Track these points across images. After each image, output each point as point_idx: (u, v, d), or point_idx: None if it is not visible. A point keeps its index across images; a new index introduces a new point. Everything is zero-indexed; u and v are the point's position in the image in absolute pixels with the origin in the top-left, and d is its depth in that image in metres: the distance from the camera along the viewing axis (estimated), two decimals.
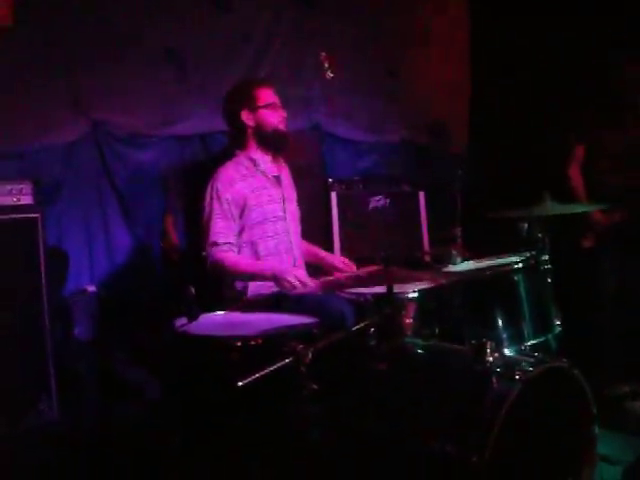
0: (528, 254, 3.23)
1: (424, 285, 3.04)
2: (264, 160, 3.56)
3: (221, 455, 2.56)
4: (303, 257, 3.64)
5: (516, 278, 3.08)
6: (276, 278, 3.22)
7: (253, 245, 3.44)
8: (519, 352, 2.94)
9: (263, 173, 3.54)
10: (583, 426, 2.56)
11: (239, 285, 3.41)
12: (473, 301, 3.09)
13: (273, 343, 2.45)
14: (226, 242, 3.35)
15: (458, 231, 3.83)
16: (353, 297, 3.15)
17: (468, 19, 5.66)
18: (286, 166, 3.70)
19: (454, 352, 2.71)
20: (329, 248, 4.19)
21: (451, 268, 3.42)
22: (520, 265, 3.12)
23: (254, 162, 3.53)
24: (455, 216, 3.99)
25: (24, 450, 3.16)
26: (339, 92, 4.69)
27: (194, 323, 2.53)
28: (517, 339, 3.03)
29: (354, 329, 2.55)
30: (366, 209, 4.74)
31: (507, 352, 2.79)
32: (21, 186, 3.27)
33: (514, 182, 4.73)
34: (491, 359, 2.39)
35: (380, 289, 2.79)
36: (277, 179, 3.59)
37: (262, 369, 2.08)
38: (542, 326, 3.11)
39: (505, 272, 3.13)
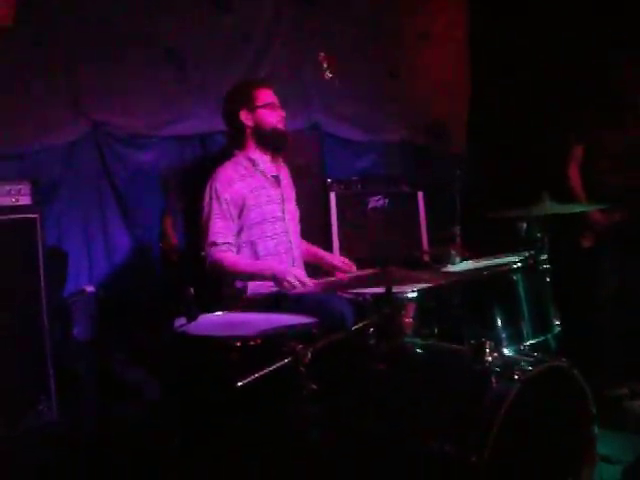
0: (527, 254, 3.23)
1: (423, 285, 3.03)
2: (263, 160, 3.56)
3: (220, 455, 2.55)
4: (302, 257, 3.64)
5: (515, 278, 3.08)
6: (275, 278, 3.22)
7: (252, 245, 3.44)
8: (518, 352, 2.93)
9: (262, 173, 3.54)
10: (583, 426, 2.56)
11: (239, 284, 3.41)
12: (472, 301, 3.09)
13: (272, 343, 2.45)
14: (225, 242, 3.35)
15: (457, 231, 3.83)
16: (352, 297, 3.15)
17: (468, 19, 5.65)
18: (285, 166, 3.70)
19: (453, 352, 2.70)
20: (328, 248, 4.19)
21: (450, 268, 3.42)
22: (519, 265, 3.12)
23: (253, 162, 3.53)
24: (454, 216, 4.00)
25: (23, 451, 3.16)
26: (339, 92, 4.69)
27: (193, 323, 2.53)
28: (516, 339, 3.03)
29: (353, 329, 2.55)
30: (365, 209, 4.74)
31: (506, 352, 2.79)
32: (20, 186, 3.27)
33: (513, 182, 4.73)
34: (490, 359, 2.39)
35: (379, 289, 2.79)
36: (276, 179, 3.59)
37: (261, 369, 2.08)
38: (541, 326, 3.11)
39: (504, 272, 3.13)
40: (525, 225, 3.30)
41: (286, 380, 2.14)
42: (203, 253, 3.35)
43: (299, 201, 3.73)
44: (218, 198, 3.38)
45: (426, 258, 4.37)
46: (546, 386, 2.44)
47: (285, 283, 3.15)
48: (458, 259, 3.44)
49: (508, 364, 2.43)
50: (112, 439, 3.25)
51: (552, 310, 3.16)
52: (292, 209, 3.65)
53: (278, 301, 3.23)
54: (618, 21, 4.57)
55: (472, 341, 2.56)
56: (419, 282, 3.00)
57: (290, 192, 3.68)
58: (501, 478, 2.32)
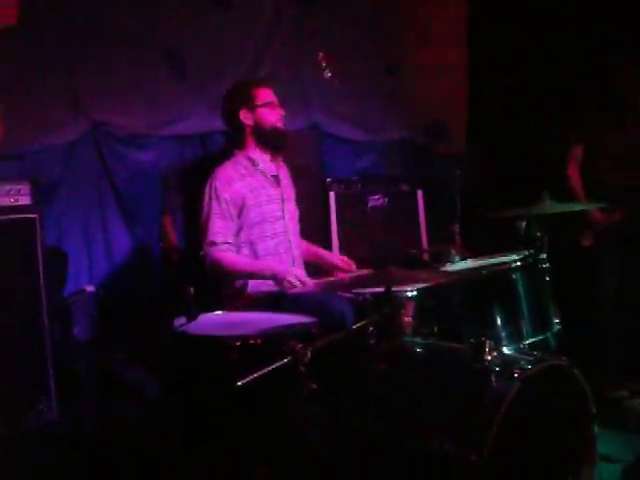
0: (527, 253, 3.23)
1: (423, 284, 3.03)
2: (263, 159, 3.57)
3: (220, 455, 2.56)
4: (302, 256, 3.65)
5: (515, 277, 3.08)
6: (275, 278, 3.23)
7: (252, 245, 3.44)
8: (518, 351, 2.94)
9: (262, 173, 3.54)
10: (583, 425, 2.56)
11: (238, 282, 3.41)
12: (472, 300, 3.09)
13: (272, 343, 2.45)
14: (224, 242, 3.36)
15: (457, 230, 3.83)
16: (352, 296, 3.15)
17: (468, 19, 5.65)
18: (285, 166, 3.71)
19: (453, 351, 2.71)
20: (328, 247, 4.19)
21: (450, 267, 3.42)
22: (519, 264, 3.12)
23: (253, 162, 3.53)
24: (454, 215, 4.00)
25: (23, 451, 3.15)
26: (338, 92, 4.69)
27: (193, 323, 2.53)
28: (516, 337, 3.03)
29: (353, 328, 2.55)
30: (364, 208, 4.75)
31: (506, 351, 2.80)
32: (19, 186, 3.26)
33: (513, 182, 4.73)
34: (490, 358, 2.39)
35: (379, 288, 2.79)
36: (276, 179, 3.59)
37: (261, 369, 2.08)
38: (541, 324, 3.11)
39: (504, 271, 3.13)
40: (525, 224, 3.30)
41: (286, 380, 2.14)
42: (202, 252, 3.35)
43: (299, 201, 3.74)
44: (218, 198, 3.38)
45: (426, 257, 4.37)
46: (546, 385, 2.44)
47: (285, 283, 3.16)
48: (458, 258, 3.44)
49: (508, 363, 2.43)
50: (112, 439, 3.25)
51: (552, 309, 3.16)
52: (292, 209, 3.66)
53: (277, 300, 3.22)
54: (618, 21, 4.57)
55: (472, 340, 2.55)
56: (419, 281, 3.01)
57: (290, 192, 3.68)
58: (501, 477, 2.32)
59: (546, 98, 4.92)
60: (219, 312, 2.95)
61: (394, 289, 2.72)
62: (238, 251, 3.42)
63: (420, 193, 4.92)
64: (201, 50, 4.30)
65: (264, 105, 3.51)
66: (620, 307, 4.09)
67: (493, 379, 2.33)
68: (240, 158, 3.54)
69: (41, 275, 3.28)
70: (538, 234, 3.24)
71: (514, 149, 5.04)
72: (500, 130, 5.20)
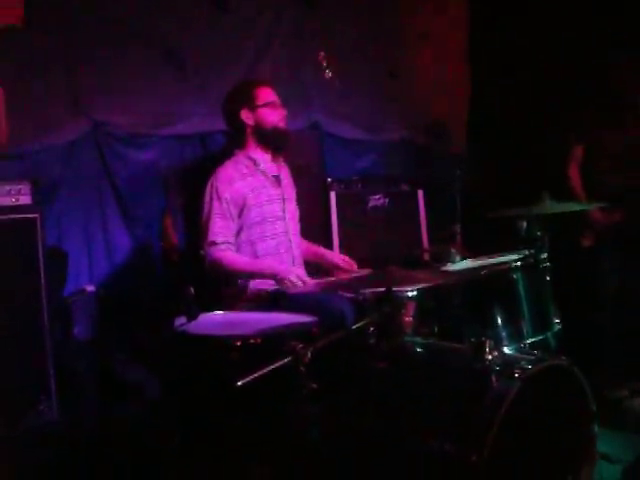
0: (527, 253, 3.23)
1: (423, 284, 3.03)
2: (264, 159, 3.57)
3: (220, 455, 2.55)
4: (303, 256, 3.65)
5: (515, 276, 3.08)
6: (276, 277, 3.23)
7: (252, 244, 3.44)
8: (518, 350, 2.94)
9: (263, 172, 3.54)
10: (583, 424, 2.55)
11: (239, 282, 3.41)
12: (472, 300, 3.09)
13: (272, 342, 2.45)
14: (224, 241, 3.36)
15: (457, 230, 3.83)
16: (352, 296, 3.15)
17: (468, 19, 5.65)
18: (285, 166, 3.71)
19: (453, 351, 2.70)
20: (328, 247, 4.18)
21: (450, 267, 3.42)
22: (519, 264, 3.12)
23: (254, 161, 3.53)
24: (454, 215, 4.00)
25: (23, 451, 3.15)
26: (339, 92, 4.69)
27: (193, 323, 2.53)
28: (516, 337, 3.03)
29: (353, 328, 2.54)
30: (365, 208, 4.75)
31: (506, 350, 2.79)
32: (20, 186, 3.27)
33: (513, 181, 4.73)
34: (490, 357, 2.38)
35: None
36: (277, 179, 3.59)
37: (261, 368, 2.08)
38: (541, 324, 3.11)
39: (504, 271, 3.13)
40: (525, 224, 3.30)
41: (286, 379, 2.13)
42: (202, 252, 3.35)
43: (299, 200, 3.74)
44: (219, 197, 3.38)
45: (426, 257, 4.37)
46: (546, 385, 2.44)
47: (286, 282, 3.16)
48: (458, 258, 3.44)
49: (508, 363, 2.42)
50: (112, 439, 3.25)
51: (552, 309, 3.17)
52: (292, 209, 3.66)
53: (277, 299, 3.23)
54: (618, 21, 4.57)
55: (472, 340, 2.54)
56: (419, 282, 3.00)
57: (291, 192, 3.68)
58: (501, 477, 2.31)
59: (546, 98, 4.93)
60: (219, 312, 2.95)
61: (394, 289, 2.71)
62: (238, 251, 3.42)
63: (421, 193, 4.92)
64: (201, 50, 4.31)
65: (265, 105, 3.51)
66: (620, 307, 4.09)
67: (493, 379, 2.32)
68: (241, 158, 3.54)
69: (41, 275, 3.29)
70: (538, 234, 3.24)
71: (514, 149, 5.05)
72: (500, 130, 5.21)
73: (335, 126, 4.95)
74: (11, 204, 3.25)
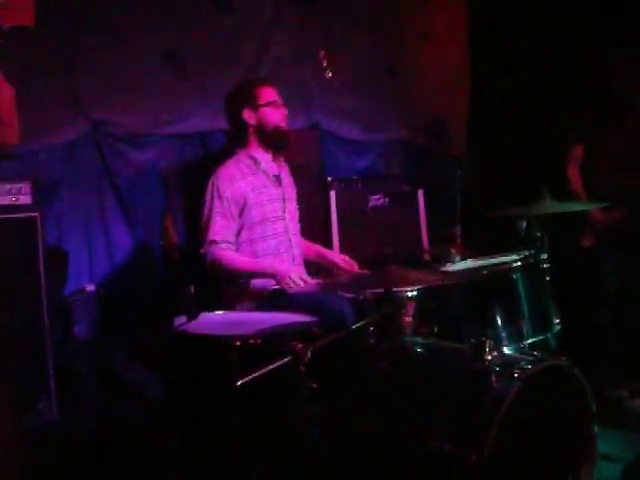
0: (527, 253, 3.23)
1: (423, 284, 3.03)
2: (265, 159, 3.56)
3: (220, 455, 2.55)
4: (303, 255, 3.65)
5: (515, 277, 3.08)
6: (276, 276, 3.23)
7: (252, 244, 3.44)
8: (518, 350, 2.94)
9: (264, 172, 3.54)
10: (583, 424, 2.55)
11: (240, 281, 3.41)
12: (472, 300, 3.10)
13: (272, 342, 2.45)
14: (225, 241, 3.35)
15: (457, 230, 3.83)
16: (352, 296, 3.15)
17: (468, 19, 5.66)
18: (286, 165, 3.70)
19: (453, 351, 2.70)
20: (328, 247, 4.17)
21: (450, 267, 3.42)
22: (519, 264, 3.12)
23: (255, 161, 3.53)
24: (454, 215, 4.00)
25: (23, 450, 3.15)
26: (339, 91, 4.70)
27: (193, 322, 2.53)
28: (516, 337, 3.04)
29: (353, 328, 2.54)
30: (365, 208, 4.74)
31: (506, 351, 2.79)
32: (20, 185, 3.28)
33: (513, 181, 4.73)
34: (490, 358, 2.38)
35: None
36: (277, 178, 3.59)
37: (261, 368, 2.07)
38: (541, 324, 3.12)
39: (504, 271, 3.13)
40: (525, 224, 3.30)
41: (286, 379, 2.13)
42: (202, 251, 3.35)
43: (299, 200, 3.74)
44: (220, 196, 3.38)
45: (426, 257, 4.37)
46: (546, 385, 2.44)
47: (287, 280, 3.17)
48: (458, 258, 3.44)
49: (508, 363, 2.42)
50: (112, 438, 3.25)
51: (552, 309, 3.17)
52: (293, 208, 3.66)
53: (278, 298, 3.23)
54: (618, 21, 4.57)
55: (472, 340, 2.55)
56: (419, 282, 3.00)
57: (291, 191, 3.68)
58: (501, 477, 2.32)
59: (546, 98, 4.93)
60: (219, 311, 2.95)
61: (394, 289, 2.71)
62: (238, 250, 3.42)
63: (421, 193, 4.91)
64: (201, 50, 4.31)
65: (267, 104, 3.50)
66: (620, 307, 4.09)
67: (493, 379, 2.32)
68: (242, 157, 3.53)
69: (42, 274, 3.29)
70: (538, 234, 3.24)
71: (514, 149, 5.05)
72: (500, 130, 5.21)
73: (335, 126, 4.96)
74: (11, 203, 3.26)
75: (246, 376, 2.04)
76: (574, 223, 4.11)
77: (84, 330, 3.75)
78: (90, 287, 3.82)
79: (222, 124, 3.87)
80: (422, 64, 5.44)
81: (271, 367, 2.09)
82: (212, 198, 3.39)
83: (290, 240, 3.55)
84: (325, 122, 4.88)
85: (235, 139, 3.62)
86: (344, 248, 4.36)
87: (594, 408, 2.53)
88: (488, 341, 2.41)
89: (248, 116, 3.51)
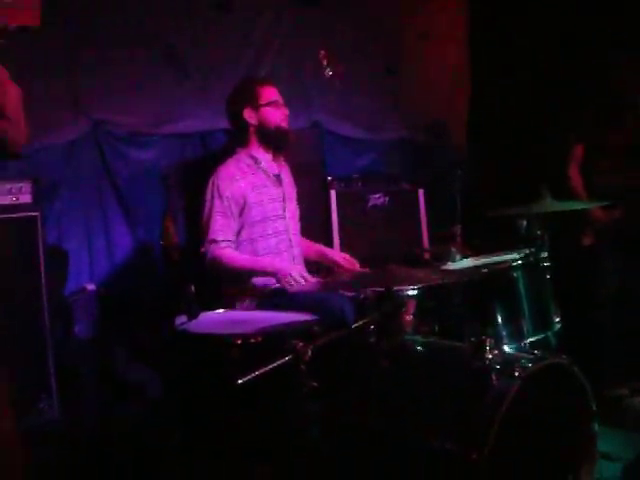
0: (527, 251, 3.23)
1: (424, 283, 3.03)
2: (265, 158, 3.57)
3: (221, 453, 2.56)
4: (304, 254, 3.66)
5: (515, 275, 3.08)
6: (277, 275, 3.23)
7: (252, 243, 3.44)
8: (518, 349, 2.95)
9: (264, 171, 3.54)
10: (583, 423, 2.56)
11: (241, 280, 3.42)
12: (472, 298, 3.09)
13: (273, 341, 2.46)
14: (225, 239, 3.36)
15: (458, 229, 3.83)
16: (353, 294, 3.15)
17: (468, 19, 5.66)
18: (286, 165, 3.71)
19: (454, 349, 2.71)
20: (328, 246, 4.17)
21: (450, 265, 3.42)
22: (519, 262, 3.12)
23: (255, 160, 3.54)
24: (455, 214, 4.00)
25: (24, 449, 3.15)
26: (339, 91, 4.69)
27: (194, 321, 2.53)
28: (516, 336, 3.03)
29: (354, 327, 2.54)
30: (365, 207, 4.73)
31: (506, 349, 2.80)
32: (20, 185, 3.27)
33: (513, 181, 4.73)
34: (490, 356, 2.38)
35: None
36: (278, 178, 3.60)
37: (262, 367, 2.08)
38: (541, 323, 3.12)
39: (504, 269, 3.13)
40: (525, 223, 3.30)
41: (287, 378, 2.13)
42: (202, 250, 3.35)
43: (299, 199, 3.74)
44: (220, 195, 3.38)
45: (427, 256, 4.37)
46: (546, 383, 2.44)
47: (288, 279, 3.17)
48: (458, 257, 3.44)
49: (508, 361, 2.43)
50: (113, 437, 3.25)
51: (552, 307, 3.17)
52: (293, 208, 3.67)
53: (279, 296, 3.24)
54: (618, 21, 4.57)
55: (472, 338, 2.55)
56: (419, 280, 3.00)
57: (291, 191, 3.69)
58: (501, 475, 2.32)
59: (546, 98, 4.93)
60: (220, 310, 2.96)
61: (395, 287, 2.71)
62: (239, 249, 3.42)
63: (421, 192, 4.91)
64: (202, 50, 4.31)
65: (268, 104, 3.51)
66: (620, 306, 4.10)
67: (494, 377, 2.33)
68: (242, 156, 3.54)
69: (42, 273, 3.29)
70: (539, 233, 3.24)
71: (514, 148, 5.05)
72: (500, 129, 5.21)
73: (336, 125, 4.95)
74: (12, 203, 3.25)
75: (247, 375, 2.04)
76: (574, 222, 4.11)
77: (84, 329, 3.75)
78: (90, 286, 3.81)
79: (222, 124, 3.87)
80: (422, 64, 5.44)
81: (272, 366, 2.09)
82: (212, 197, 3.39)
83: (290, 239, 3.56)
84: (325, 122, 4.87)
85: (236, 138, 3.63)
86: (344, 247, 4.35)
87: (594, 407, 2.54)
88: (488, 340, 2.41)
89: (249, 115, 3.52)
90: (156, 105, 4.14)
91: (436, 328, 3.01)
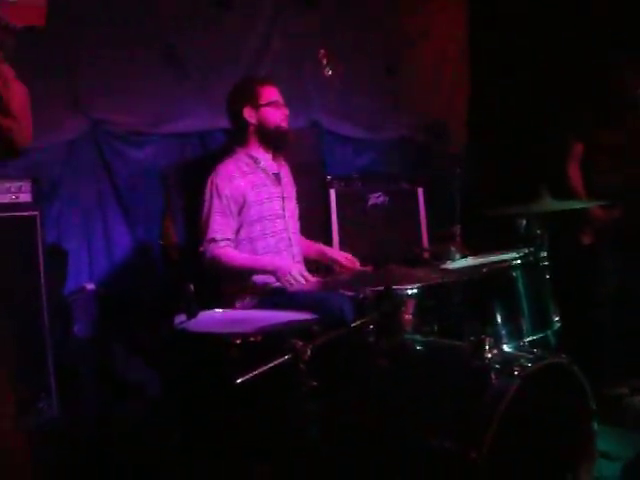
0: (527, 251, 3.23)
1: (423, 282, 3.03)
2: (264, 158, 3.57)
3: (220, 452, 2.56)
4: (304, 253, 3.66)
5: (515, 274, 3.09)
6: (277, 273, 3.23)
7: (252, 242, 3.44)
8: (518, 348, 2.95)
9: (263, 170, 3.55)
10: (582, 422, 2.56)
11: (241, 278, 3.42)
12: (472, 297, 3.10)
13: (272, 340, 2.46)
14: (224, 238, 3.36)
15: (457, 229, 3.83)
16: (352, 294, 3.15)
17: (468, 18, 5.66)
18: (286, 164, 3.71)
19: (453, 348, 2.71)
20: (328, 245, 4.17)
21: (450, 265, 3.42)
22: (519, 261, 3.13)
23: (254, 159, 3.54)
24: (454, 214, 4.00)
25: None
26: (339, 90, 4.69)
27: (193, 320, 2.54)
28: (516, 335, 3.04)
29: (353, 326, 2.55)
30: (365, 206, 4.73)
31: (506, 348, 2.80)
32: (20, 184, 3.27)
33: (513, 180, 4.73)
34: (490, 355, 2.38)
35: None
36: (277, 177, 3.60)
37: (261, 366, 2.08)
38: (541, 322, 3.12)
39: (504, 269, 3.14)
40: (525, 222, 3.30)
41: (286, 377, 2.13)
42: (201, 249, 3.35)
43: (299, 198, 3.74)
44: (219, 194, 3.38)
45: (426, 255, 4.37)
46: (546, 382, 2.44)
47: (288, 277, 3.17)
48: (458, 256, 3.44)
49: (508, 360, 2.43)
50: (113, 437, 3.25)
51: (552, 307, 3.17)
52: (292, 207, 3.67)
53: (277, 295, 3.24)
54: (618, 21, 4.57)
55: (472, 338, 2.56)
56: (419, 280, 3.00)
57: (291, 190, 3.69)
58: (500, 474, 2.32)
59: (546, 98, 4.93)
60: (219, 309, 2.96)
61: (394, 287, 2.72)
62: (238, 248, 3.42)
63: (420, 191, 4.91)
64: (201, 49, 4.30)
65: (268, 104, 3.51)
66: (620, 305, 4.10)
67: (493, 377, 2.33)
68: (242, 155, 3.54)
69: (41, 273, 3.28)
70: (538, 232, 3.24)
71: (514, 148, 5.05)
72: (500, 129, 5.21)
73: (336, 124, 4.95)
74: (11, 202, 3.25)
75: (246, 374, 2.05)
76: (574, 221, 4.11)
77: (84, 329, 3.74)
78: (90, 286, 3.81)
79: (222, 123, 3.87)
80: (422, 64, 5.44)
81: (271, 365, 2.09)
82: (211, 196, 3.40)
83: (290, 238, 3.56)
84: (325, 121, 4.87)
85: (235, 137, 3.63)
86: (344, 246, 4.34)
87: (594, 406, 2.54)
88: (488, 339, 2.41)
89: (249, 115, 3.52)
90: (155, 105, 4.14)
91: (435, 327, 3.01)
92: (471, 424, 2.22)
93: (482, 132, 5.40)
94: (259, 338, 2.51)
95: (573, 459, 2.57)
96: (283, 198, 3.58)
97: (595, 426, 2.57)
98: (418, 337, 2.85)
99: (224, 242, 3.35)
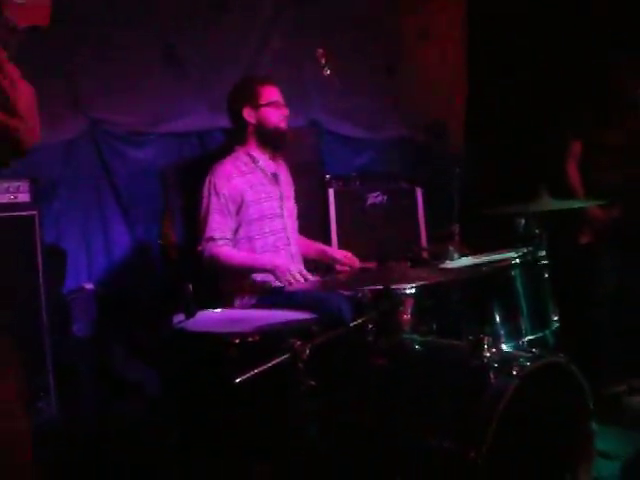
0: (525, 250, 3.22)
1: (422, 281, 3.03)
2: (263, 157, 3.57)
3: (219, 452, 2.56)
4: (304, 252, 3.67)
5: (513, 274, 3.08)
6: (276, 272, 3.23)
7: (250, 241, 3.44)
8: (516, 348, 2.94)
9: (262, 170, 3.55)
10: (581, 421, 2.56)
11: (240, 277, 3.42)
12: (471, 297, 3.09)
13: (271, 339, 2.46)
14: (222, 237, 3.36)
15: (456, 228, 3.83)
16: (351, 293, 3.15)
17: (467, 18, 5.66)
18: (284, 164, 3.71)
19: (452, 348, 2.71)
20: (327, 244, 4.18)
21: (449, 264, 3.42)
22: (517, 261, 3.12)
23: (253, 159, 3.54)
24: (453, 213, 3.99)
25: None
26: (338, 90, 4.68)
27: (192, 320, 2.54)
28: (514, 335, 3.03)
29: (352, 325, 2.55)
30: (363, 205, 4.72)
31: (504, 348, 2.78)
32: (18, 184, 3.27)
33: (511, 179, 4.72)
34: (488, 355, 2.38)
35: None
36: (275, 176, 3.60)
37: (260, 365, 2.08)
38: (539, 322, 3.11)
39: (502, 268, 3.13)
40: (523, 221, 3.30)
41: (284, 376, 2.13)
42: (200, 248, 3.35)
43: (298, 197, 3.74)
44: (217, 193, 3.38)
45: (425, 255, 4.37)
46: (544, 382, 2.44)
47: (287, 276, 3.17)
48: (457, 255, 3.44)
49: (506, 360, 2.43)
50: (111, 436, 3.26)
51: (550, 306, 3.17)
52: (291, 206, 3.67)
53: (275, 294, 3.24)
54: (618, 21, 4.57)
55: (470, 337, 2.54)
56: (417, 279, 3.00)
57: (289, 190, 3.69)
58: (499, 474, 2.32)
59: (546, 98, 4.92)
60: (218, 309, 2.96)
61: (393, 286, 2.71)
62: (236, 247, 3.42)
63: (419, 191, 4.90)
64: (200, 49, 4.30)
65: (268, 104, 3.50)
66: (618, 304, 4.10)
67: (492, 376, 2.33)
68: (240, 154, 3.54)
69: (40, 272, 3.29)
70: (537, 231, 3.24)
71: (513, 148, 5.04)
72: (499, 129, 5.20)
73: (334, 123, 4.95)
74: (10, 201, 3.25)
75: (245, 373, 2.04)
76: (572, 220, 4.11)
77: (83, 328, 3.75)
78: (89, 285, 3.81)
79: (221, 123, 3.87)
80: (421, 63, 5.44)
81: (269, 364, 2.09)
82: (209, 195, 3.40)
83: (288, 237, 3.56)
84: (324, 120, 4.87)
85: (234, 136, 3.63)
86: (342, 245, 4.34)
87: (592, 405, 2.54)
88: (486, 338, 2.41)
89: (248, 114, 3.52)
90: (154, 104, 4.14)
91: (434, 327, 3.01)
92: (470, 423, 2.22)
93: (481, 132, 5.39)
94: (258, 337, 2.51)
95: (572, 458, 2.57)
96: (281, 197, 3.58)
97: (594, 425, 2.57)
98: (417, 336, 2.84)
99: (222, 241, 3.35)
